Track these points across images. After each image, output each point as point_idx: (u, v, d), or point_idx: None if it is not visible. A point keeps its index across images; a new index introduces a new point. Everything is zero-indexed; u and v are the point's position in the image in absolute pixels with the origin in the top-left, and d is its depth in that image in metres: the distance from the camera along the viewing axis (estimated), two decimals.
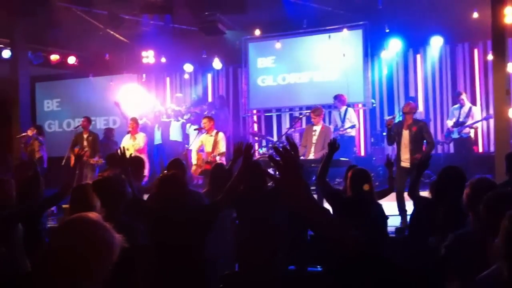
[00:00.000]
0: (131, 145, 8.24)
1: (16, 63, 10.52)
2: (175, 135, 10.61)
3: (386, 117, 8.93)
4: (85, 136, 9.24)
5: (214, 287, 4.21)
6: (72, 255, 1.55)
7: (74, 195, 3.52)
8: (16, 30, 10.50)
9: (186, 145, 9.70)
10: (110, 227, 1.67)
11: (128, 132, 8.74)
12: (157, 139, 10.71)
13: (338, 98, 9.57)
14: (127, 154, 4.21)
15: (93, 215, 1.72)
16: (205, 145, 8.14)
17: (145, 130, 9.88)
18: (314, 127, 8.16)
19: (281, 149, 1.55)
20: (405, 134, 6.63)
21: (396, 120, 7.39)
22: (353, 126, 9.44)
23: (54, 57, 12.17)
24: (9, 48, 10.94)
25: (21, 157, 9.63)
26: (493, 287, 1.98)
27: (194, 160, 8.20)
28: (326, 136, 8.01)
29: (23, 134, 9.72)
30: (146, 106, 11.40)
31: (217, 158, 7.79)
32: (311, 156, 7.85)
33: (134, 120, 8.79)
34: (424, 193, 4.41)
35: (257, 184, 4.23)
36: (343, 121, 9.46)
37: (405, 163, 6.59)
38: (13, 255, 3.80)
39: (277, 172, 2.10)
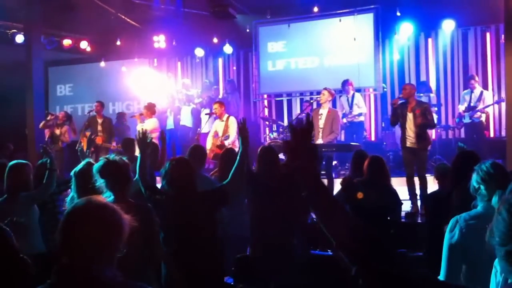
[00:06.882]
0: (140, 127, 8.30)
1: (29, 48, 10.57)
2: (185, 120, 10.61)
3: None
4: (99, 120, 9.32)
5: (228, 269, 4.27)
6: (86, 238, 1.62)
7: (78, 176, 3.58)
8: (30, 15, 10.53)
9: (199, 129, 9.73)
10: (119, 209, 1.73)
11: (141, 114, 8.78)
12: (169, 124, 10.73)
13: (346, 83, 9.52)
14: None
15: (101, 198, 1.80)
16: (218, 131, 8.21)
17: None
18: (321, 111, 7.79)
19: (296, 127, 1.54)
20: (410, 116, 6.70)
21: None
22: (360, 114, 9.29)
23: (67, 42, 12.27)
24: (22, 32, 11.03)
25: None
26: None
27: (208, 145, 8.25)
28: (334, 120, 7.72)
29: (52, 116, 9.83)
30: (158, 90, 11.43)
31: (226, 142, 7.83)
32: (320, 141, 7.67)
33: (147, 107, 8.79)
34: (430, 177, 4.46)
35: (270, 168, 4.27)
36: (351, 106, 9.39)
37: (411, 143, 6.65)
38: (29, 236, 3.94)
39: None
